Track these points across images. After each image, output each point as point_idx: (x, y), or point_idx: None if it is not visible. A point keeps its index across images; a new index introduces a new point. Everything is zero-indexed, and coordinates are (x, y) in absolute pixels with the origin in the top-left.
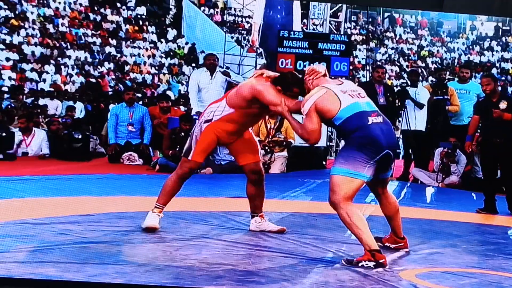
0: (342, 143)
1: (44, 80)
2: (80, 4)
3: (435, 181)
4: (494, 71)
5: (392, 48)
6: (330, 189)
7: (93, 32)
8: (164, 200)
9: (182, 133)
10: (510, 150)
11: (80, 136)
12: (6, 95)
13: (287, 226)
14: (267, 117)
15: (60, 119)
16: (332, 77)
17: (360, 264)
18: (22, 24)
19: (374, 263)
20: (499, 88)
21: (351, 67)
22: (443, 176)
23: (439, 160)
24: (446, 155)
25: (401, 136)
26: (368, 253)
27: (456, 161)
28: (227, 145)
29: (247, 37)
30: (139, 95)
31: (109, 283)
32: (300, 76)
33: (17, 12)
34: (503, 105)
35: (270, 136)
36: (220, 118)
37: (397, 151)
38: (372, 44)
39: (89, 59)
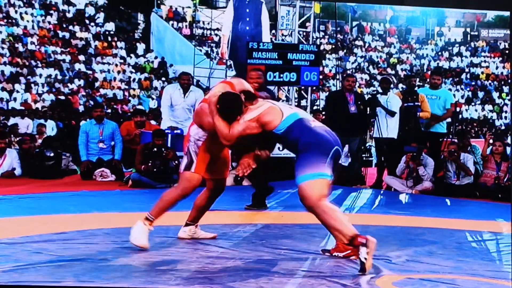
0: None
1: (15, 99)
2: (49, 22)
3: (407, 186)
4: (463, 76)
5: (362, 57)
6: (302, 197)
7: (62, 49)
8: (159, 214)
9: (155, 148)
10: None
11: (52, 154)
12: None
13: (262, 237)
14: None
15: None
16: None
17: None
18: None
19: (362, 245)
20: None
21: (321, 77)
22: (413, 182)
23: (404, 164)
24: (411, 158)
25: (373, 144)
26: (349, 241)
27: (423, 164)
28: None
29: (216, 50)
30: (109, 110)
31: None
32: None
33: None
34: None
35: None
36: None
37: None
38: (341, 53)
39: (59, 77)
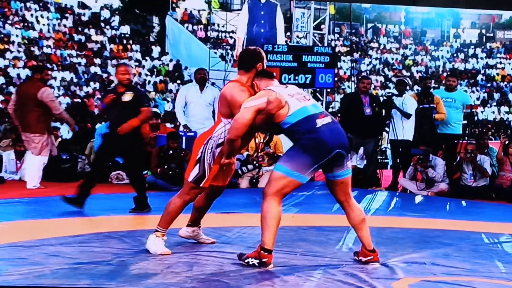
0: None
1: None
2: (64, 26)
3: (417, 188)
4: (479, 78)
5: (377, 59)
6: (267, 181)
7: (78, 52)
8: (168, 225)
9: (171, 151)
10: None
11: (67, 157)
12: None
13: (277, 240)
14: None
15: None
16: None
17: (246, 261)
18: (8, 47)
19: (258, 261)
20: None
21: (336, 79)
22: (425, 184)
23: (412, 167)
24: (417, 161)
25: (389, 146)
26: (258, 248)
27: (431, 166)
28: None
29: (231, 52)
30: None
31: None
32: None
33: (2, 36)
34: (127, 97)
35: (259, 150)
36: None
37: (348, 150)
38: (356, 55)
39: (75, 80)
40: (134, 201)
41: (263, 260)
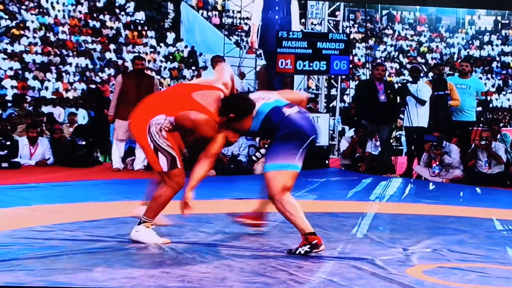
0: (343, 142)
1: (46, 88)
2: (80, 12)
3: (430, 174)
4: (494, 65)
5: (391, 45)
6: (266, 186)
7: (93, 38)
8: (156, 215)
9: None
10: None
11: (83, 143)
12: (9, 104)
13: (292, 226)
14: None
15: (62, 126)
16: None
17: (297, 252)
18: (23, 33)
19: (309, 246)
20: None
21: (350, 66)
22: (440, 170)
23: (426, 153)
24: (430, 148)
25: (403, 133)
26: (303, 237)
27: (446, 152)
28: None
29: (246, 39)
30: None
31: None
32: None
33: (17, 22)
34: None
35: None
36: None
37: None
38: (371, 42)
39: (90, 66)
40: None
41: (313, 242)
